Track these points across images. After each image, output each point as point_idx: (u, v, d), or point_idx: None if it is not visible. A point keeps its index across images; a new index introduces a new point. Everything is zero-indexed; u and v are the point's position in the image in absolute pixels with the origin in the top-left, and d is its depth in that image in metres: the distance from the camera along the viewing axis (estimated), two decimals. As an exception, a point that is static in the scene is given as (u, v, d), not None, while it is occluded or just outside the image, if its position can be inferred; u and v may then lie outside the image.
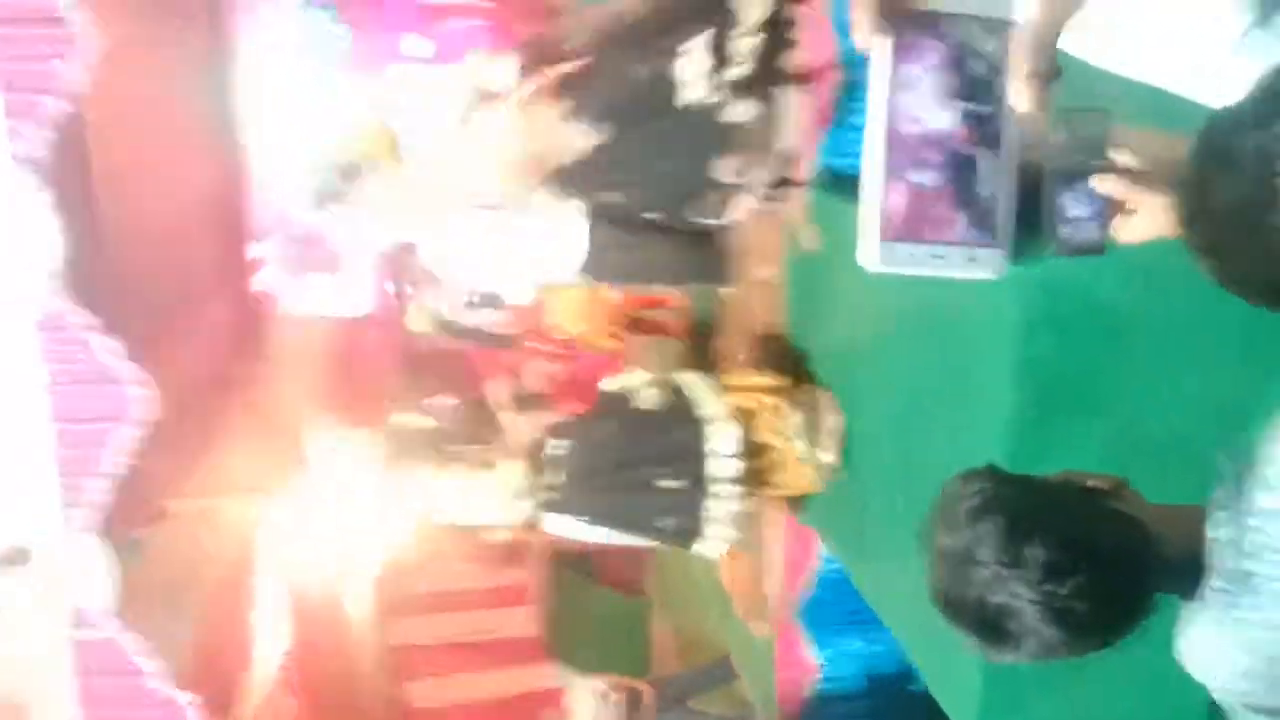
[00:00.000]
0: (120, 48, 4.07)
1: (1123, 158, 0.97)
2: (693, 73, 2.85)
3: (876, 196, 0.76)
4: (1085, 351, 2.17)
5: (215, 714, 4.09)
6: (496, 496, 3.44)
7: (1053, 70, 0.78)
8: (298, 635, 5.80)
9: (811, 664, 3.90)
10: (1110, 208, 0.99)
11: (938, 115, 0.78)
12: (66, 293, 3.04)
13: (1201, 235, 0.87)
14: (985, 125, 0.79)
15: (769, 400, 3.45)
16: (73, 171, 3.32)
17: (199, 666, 3.96)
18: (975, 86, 0.78)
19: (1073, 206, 0.98)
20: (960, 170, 0.79)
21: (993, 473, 1.33)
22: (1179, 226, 0.88)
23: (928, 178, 0.78)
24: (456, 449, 3.62)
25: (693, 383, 3.53)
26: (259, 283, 6.33)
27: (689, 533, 3.44)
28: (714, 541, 3.47)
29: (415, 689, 7.21)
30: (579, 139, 3.01)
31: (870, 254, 0.78)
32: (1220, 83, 0.91)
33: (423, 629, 7.50)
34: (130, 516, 3.69)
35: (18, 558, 3.37)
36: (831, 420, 3.39)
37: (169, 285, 4.72)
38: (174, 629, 3.98)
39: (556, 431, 3.48)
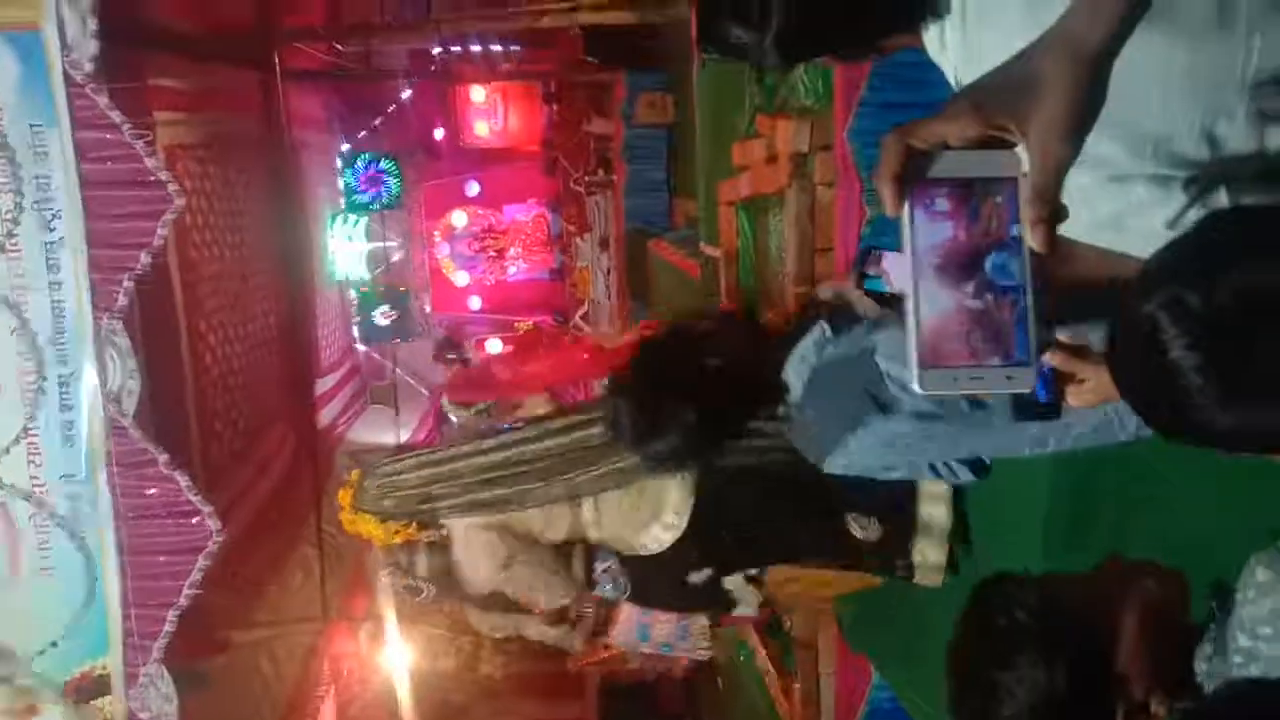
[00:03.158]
0: (199, 200, 4.41)
1: (1066, 335, 1.10)
2: None
3: (914, 332, 0.85)
4: (1110, 490, 2.22)
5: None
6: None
7: (1058, 214, 0.87)
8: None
9: (868, 799, 3.78)
10: (1062, 378, 1.12)
11: (959, 259, 0.85)
12: (140, 429, 3.21)
13: (1127, 396, 0.97)
14: (1004, 265, 0.87)
15: None
16: (153, 317, 3.56)
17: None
18: (992, 231, 0.87)
19: None
20: (988, 305, 0.87)
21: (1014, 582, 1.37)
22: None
23: (958, 313, 0.85)
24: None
25: None
26: (325, 413, 6.56)
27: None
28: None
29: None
30: None
31: (916, 381, 0.86)
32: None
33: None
34: (194, 648, 3.77)
35: (99, 688, 3.46)
36: None
37: (238, 419, 4.93)
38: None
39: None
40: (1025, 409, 1.19)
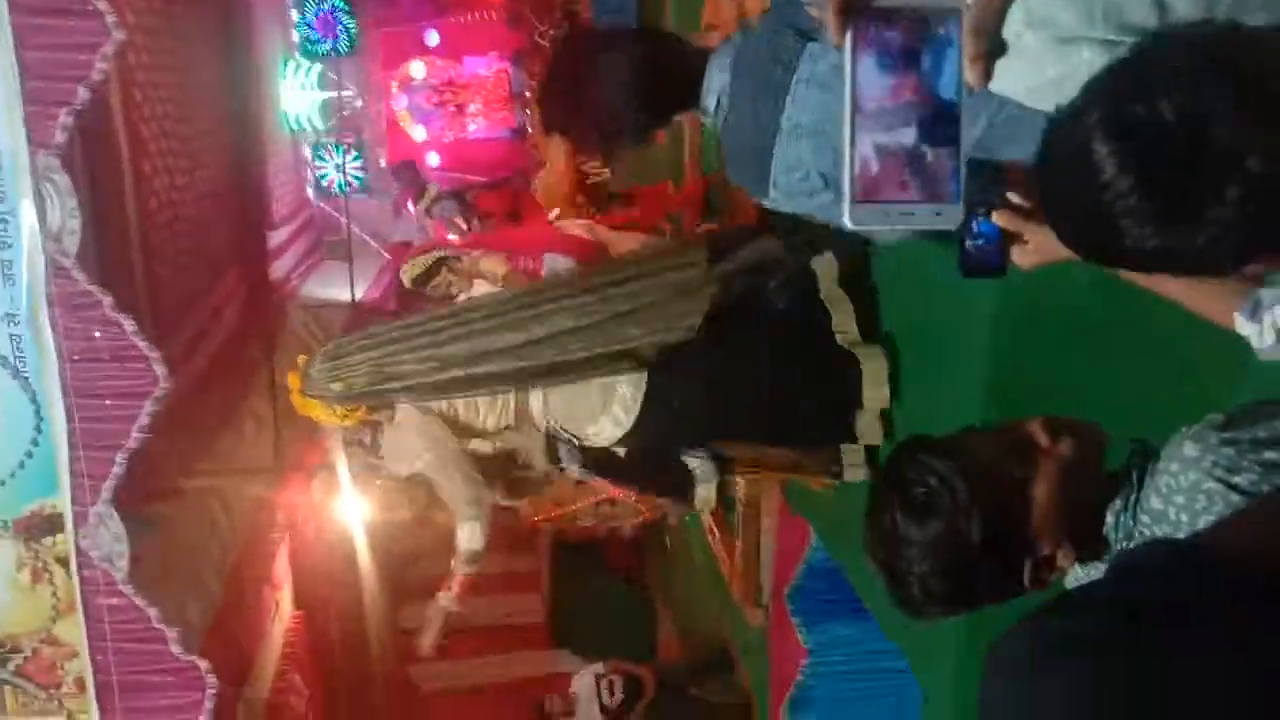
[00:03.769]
0: (142, 37, 4.21)
1: (1015, 196, 1.11)
2: None
3: (849, 167, 0.85)
4: (1047, 345, 2.27)
5: (231, 683, 4.22)
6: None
7: (996, 50, 0.88)
8: (307, 614, 5.94)
9: (801, 649, 3.99)
10: (1008, 238, 1.15)
11: (898, 94, 0.86)
12: (84, 271, 3.16)
13: (1054, 219, 0.99)
14: (940, 100, 0.88)
15: None
16: (94, 155, 3.45)
17: (215, 638, 4.06)
18: (930, 68, 0.87)
19: (975, 237, 1.14)
20: (922, 140, 0.87)
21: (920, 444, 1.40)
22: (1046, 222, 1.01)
23: (893, 148, 0.86)
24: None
25: None
26: (276, 267, 6.46)
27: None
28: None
29: (422, 671, 7.32)
30: None
31: (848, 214, 0.87)
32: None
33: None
34: (145, 492, 3.81)
35: (51, 526, 3.49)
36: None
37: (186, 267, 4.85)
38: (190, 601, 4.10)
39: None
40: (973, 268, 1.21)
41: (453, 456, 3.27)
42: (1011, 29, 0.93)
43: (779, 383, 3.09)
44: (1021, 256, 1.18)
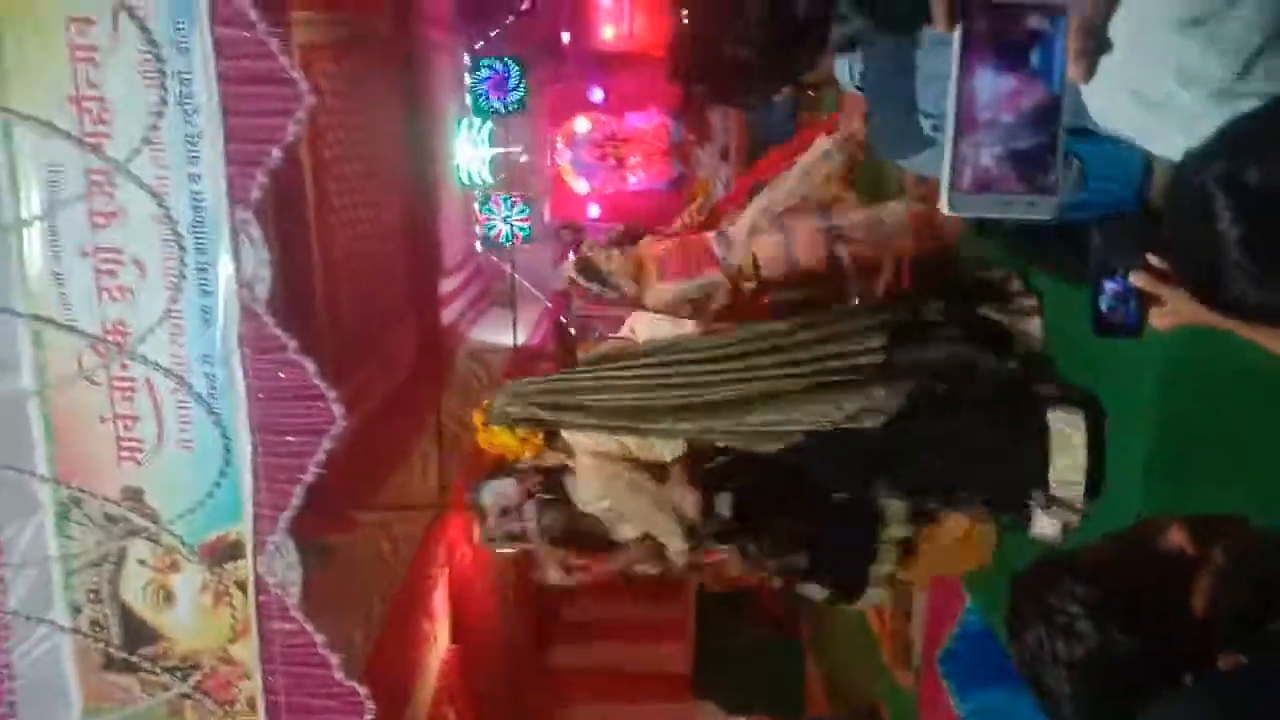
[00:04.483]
0: (331, 99, 4.56)
1: (1154, 258, 1.11)
2: None
3: (951, 156, 0.89)
4: (1220, 406, 2.15)
5: (389, 711, 4.39)
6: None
7: (1101, 47, 0.89)
8: (463, 648, 6.12)
9: (953, 716, 3.83)
10: (1146, 299, 1.14)
11: (1001, 88, 0.90)
12: (272, 315, 3.42)
13: (1170, 259, 0.98)
14: (1042, 93, 0.90)
15: None
16: (284, 209, 3.75)
17: (376, 665, 4.25)
18: (1034, 62, 0.89)
19: (1112, 296, 1.14)
20: (1022, 133, 0.89)
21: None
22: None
23: (994, 141, 0.90)
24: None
25: None
26: (446, 314, 6.77)
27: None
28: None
29: (568, 712, 7.40)
30: None
31: (946, 201, 0.91)
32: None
33: (578, 655, 7.71)
34: (319, 523, 4.05)
35: (232, 552, 3.75)
36: None
37: (364, 312, 5.17)
38: (354, 629, 4.31)
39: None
40: (1107, 328, 1.21)
41: (629, 506, 3.47)
42: (1162, 88, 0.93)
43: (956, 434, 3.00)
44: (1159, 318, 1.17)
